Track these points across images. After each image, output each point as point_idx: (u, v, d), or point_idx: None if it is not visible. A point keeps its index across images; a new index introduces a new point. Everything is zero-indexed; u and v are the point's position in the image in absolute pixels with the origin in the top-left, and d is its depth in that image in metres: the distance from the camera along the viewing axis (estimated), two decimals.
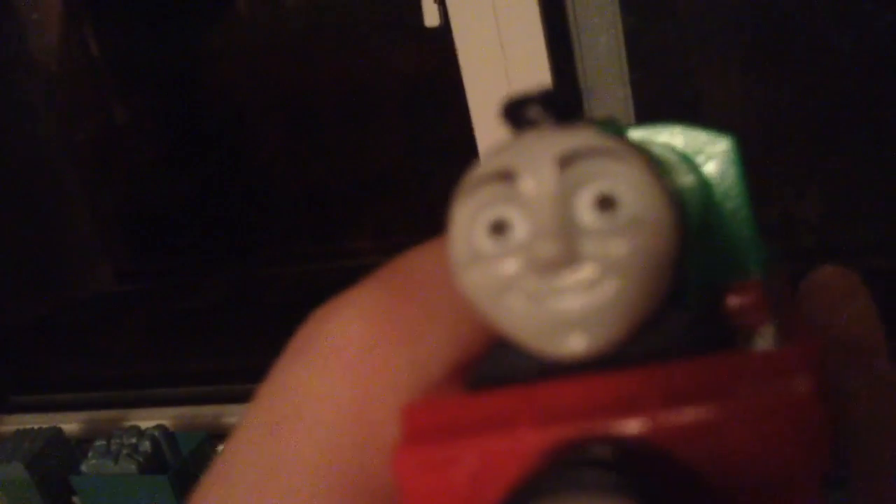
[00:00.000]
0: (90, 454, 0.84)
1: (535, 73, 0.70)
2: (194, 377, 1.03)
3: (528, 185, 0.12)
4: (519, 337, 0.12)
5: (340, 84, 1.05)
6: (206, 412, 0.97)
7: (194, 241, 1.21)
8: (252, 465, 0.14)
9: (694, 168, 0.16)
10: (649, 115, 0.78)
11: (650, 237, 0.12)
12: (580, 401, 0.12)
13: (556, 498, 0.10)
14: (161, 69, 1.14)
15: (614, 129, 0.14)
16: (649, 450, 0.11)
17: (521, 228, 0.12)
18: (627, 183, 0.12)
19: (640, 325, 0.12)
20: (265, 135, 1.15)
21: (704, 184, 0.16)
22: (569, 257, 0.12)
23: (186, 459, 0.83)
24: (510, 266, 0.12)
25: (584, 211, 0.12)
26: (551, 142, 0.12)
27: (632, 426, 0.11)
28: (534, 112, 0.13)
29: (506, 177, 0.12)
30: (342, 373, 0.14)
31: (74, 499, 0.87)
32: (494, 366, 0.13)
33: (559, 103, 0.13)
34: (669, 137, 0.16)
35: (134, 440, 0.82)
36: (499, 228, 0.12)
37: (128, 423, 0.90)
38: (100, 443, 0.84)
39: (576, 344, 0.12)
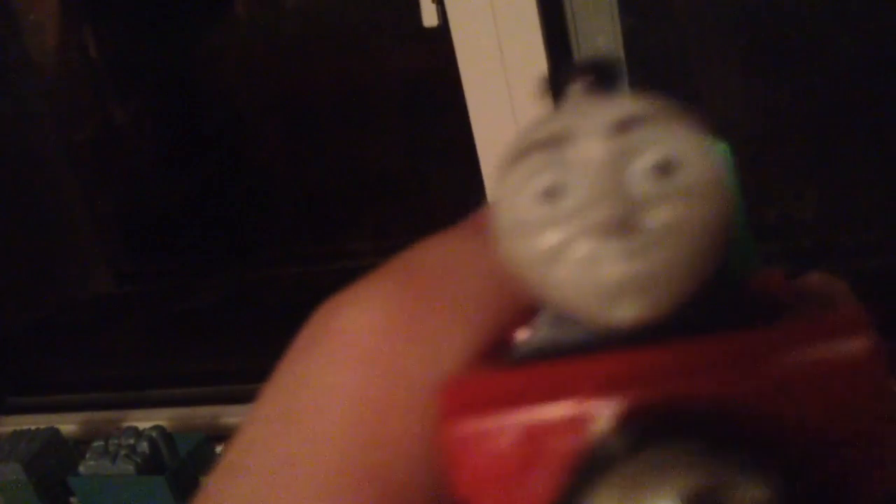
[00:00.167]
0: (88, 455, 0.83)
1: (534, 74, 0.70)
2: (192, 378, 1.03)
3: (583, 150, 0.12)
4: (568, 307, 0.12)
5: (339, 85, 1.05)
6: (205, 413, 0.97)
7: (193, 243, 1.21)
8: (265, 459, 0.14)
9: None
10: None
11: (707, 204, 0.12)
12: (639, 369, 0.12)
13: (637, 463, 0.10)
14: (160, 70, 1.14)
15: None
16: (719, 415, 0.11)
17: (574, 195, 0.12)
18: (685, 150, 0.12)
19: (691, 294, 0.12)
20: (264, 136, 1.15)
21: None
22: (625, 221, 0.11)
23: (184, 460, 0.83)
24: (562, 233, 0.12)
25: (641, 177, 0.12)
26: (605, 107, 0.12)
27: (699, 392, 0.11)
28: (578, 82, 0.12)
29: (559, 142, 0.12)
30: (356, 366, 0.14)
31: (72, 500, 0.87)
32: (537, 341, 0.13)
33: (603, 73, 0.12)
34: None
35: (132, 441, 0.82)
36: (551, 195, 0.12)
37: (126, 424, 0.90)
38: (98, 444, 0.84)
39: (628, 311, 0.12)
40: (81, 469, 0.83)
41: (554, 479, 0.12)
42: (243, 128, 1.15)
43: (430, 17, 0.72)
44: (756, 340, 0.12)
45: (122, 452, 0.81)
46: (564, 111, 0.12)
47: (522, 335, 0.14)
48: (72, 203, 1.24)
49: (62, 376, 1.15)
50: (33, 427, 0.93)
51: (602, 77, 0.12)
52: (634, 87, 0.13)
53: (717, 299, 0.12)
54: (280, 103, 1.11)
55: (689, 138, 0.12)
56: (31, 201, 1.21)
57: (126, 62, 1.17)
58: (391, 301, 0.14)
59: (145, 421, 0.91)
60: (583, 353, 0.12)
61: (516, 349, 0.13)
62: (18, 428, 0.94)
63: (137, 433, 0.83)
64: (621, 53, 0.76)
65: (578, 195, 0.12)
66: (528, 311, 0.14)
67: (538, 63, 0.70)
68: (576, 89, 0.13)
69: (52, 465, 0.88)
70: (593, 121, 0.12)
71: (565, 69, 0.13)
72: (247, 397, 0.15)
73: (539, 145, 0.12)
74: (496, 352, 0.14)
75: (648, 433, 0.11)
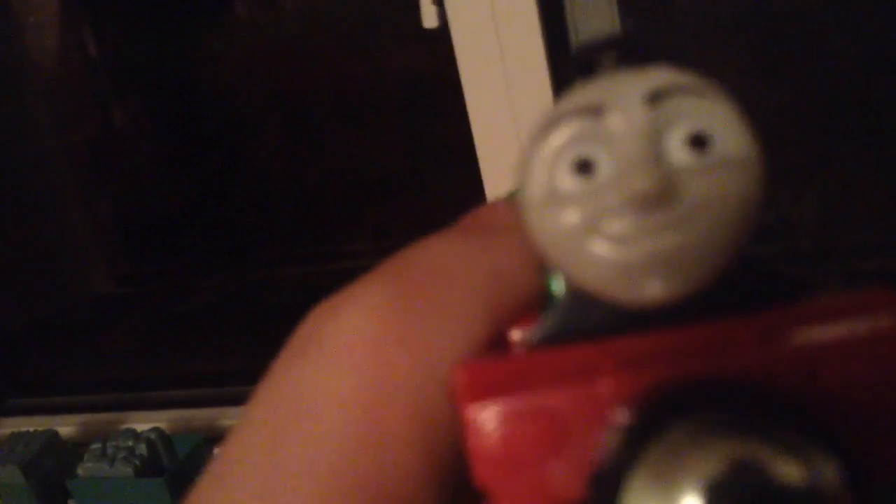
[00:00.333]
0: (86, 457, 0.83)
1: (534, 75, 0.70)
2: (191, 380, 1.03)
3: (617, 121, 0.12)
4: (595, 284, 0.12)
5: (339, 86, 1.05)
6: (203, 415, 0.97)
7: (192, 243, 1.21)
8: (255, 469, 0.14)
9: None
10: None
11: (742, 177, 0.11)
12: (668, 346, 0.11)
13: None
14: (159, 71, 1.13)
15: None
16: (757, 390, 0.11)
17: (607, 167, 0.12)
18: (721, 122, 0.12)
19: (722, 270, 0.12)
20: (263, 137, 1.15)
21: None
22: (663, 192, 0.11)
23: (183, 462, 0.83)
24: (597, 207, 0.11)
25: (676, 148, 0.11)
26: (639, 78, 0.12)
27: (735, 367, 0.11)
28: (608, 57, 0.12)
29: (593, 112, 0.12)
30: (351, 372, 0.14)
31: (70, 502, 0.87)
32: (557, 324, 0.13)
33: (633, 47, 0.12)
34: None
35: (130, 443, 0.82)
36: (584, 167, 0.12)
37: (124, 426, 0.89)
38: (96, 446, 0.83)
39: (659, 288, 0.11)
40: (79, 471, 0.83)
41: (579, 461, 0.11)
42: (242, 128, 1.15)
43: (430, 19, 0.72)
44: (790, 315, 0.11)
45: (121, 455, 0.81)
46: (597, 83, 0.12)
47: (517, 335, 0.13)
48: (71, 203, 1.24)
49: (60, 377, 1.15)
50: (31, 429, 0.93)
51: (630, 53, 0.12)
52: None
53: (744, 278, 0.12)
54: (279, 104, 1.11)
55: (723, 110, 0.12)
56: (31, 202, 1.21)
57: (126, 63, 1.17)
58: (383, 304, 0.14)
59: (144, 423, 0.91)
60: (605, 334, 0.12)
61: (538, 330, 0.13)
62: (16, 430, 0.93)
63: (136, 435, 0.83)
64: None
65: (611, 169, 0.12)
66: (524, 309, 0.14)
67: (538, 64, 0.70)
68: (605, 64, 0.12)
69: (50, 467, 0.88)
70: (627, 92, 0.12)
71: (592, 45, 0.12)
72: (245, 399, 0.15)
73: (573, 114, 0.12)
74: (494, 351, 0.14)
75: (682, 407, 0.11)
